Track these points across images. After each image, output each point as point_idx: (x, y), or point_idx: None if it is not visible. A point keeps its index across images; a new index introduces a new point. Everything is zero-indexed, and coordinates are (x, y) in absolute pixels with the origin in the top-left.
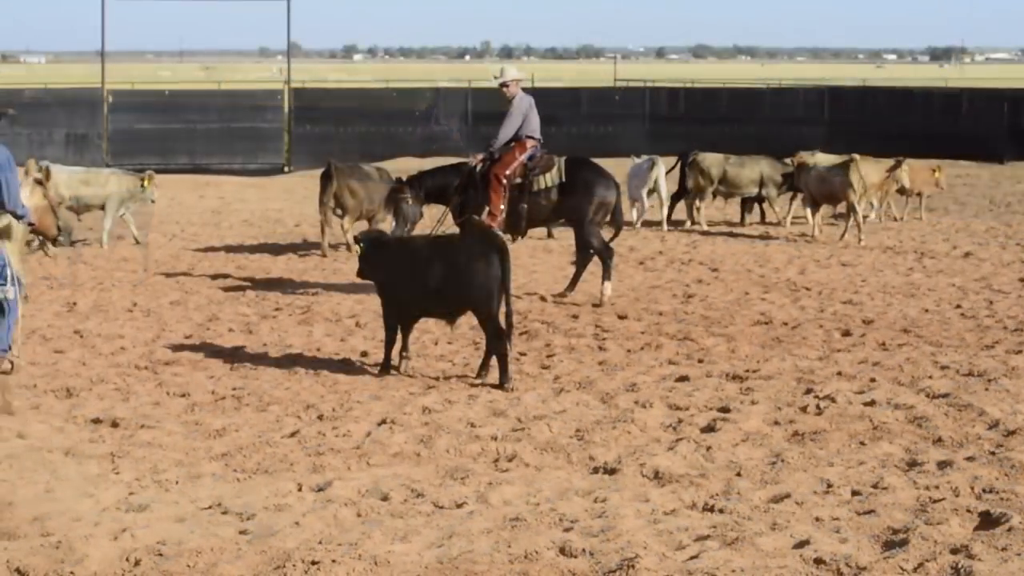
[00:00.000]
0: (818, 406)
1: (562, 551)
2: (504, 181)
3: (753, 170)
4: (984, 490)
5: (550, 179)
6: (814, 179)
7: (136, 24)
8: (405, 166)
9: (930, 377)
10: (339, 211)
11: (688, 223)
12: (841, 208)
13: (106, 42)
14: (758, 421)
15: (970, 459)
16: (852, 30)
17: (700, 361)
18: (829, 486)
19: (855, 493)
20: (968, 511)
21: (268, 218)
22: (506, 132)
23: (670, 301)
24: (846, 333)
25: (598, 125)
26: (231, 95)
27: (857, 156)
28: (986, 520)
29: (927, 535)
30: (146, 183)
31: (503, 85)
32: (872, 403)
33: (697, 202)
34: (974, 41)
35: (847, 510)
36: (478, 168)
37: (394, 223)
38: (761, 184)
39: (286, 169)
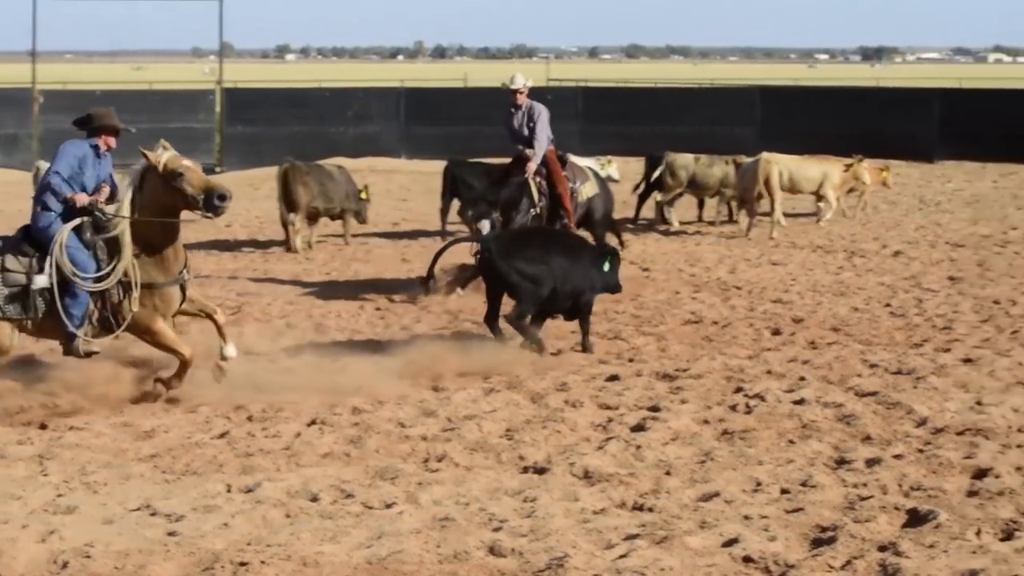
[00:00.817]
0: (747, 405)
1: (491, 551)
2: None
3: (722, 170)
4: (912, 488)
5: (590, 189)
6: (738, 178)
7: (67, 23)
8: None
9: (859, 375)
10: (294, 209)
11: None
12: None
13: (37, 42)
14: (688, 420)
15: (898, 457)
16: (784, 30)
17: (630, 360)
18: (758, 484)
19: (784, 491)
20: (896, 508)
21: (199, 218)
22: (543, 141)
23: (601, 300)
24: (776, 332)
25: None
26: (163, 95)
27: (766, 154)
28: (914, 517)
29: (855, 533)
30: None
31: (518, 92)
32: (801, 401)
33: (664, 200)
34: (905, 41)
35: (776, 508)
36: (535, 178)
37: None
38: (725, 184)
39: (218, 169)
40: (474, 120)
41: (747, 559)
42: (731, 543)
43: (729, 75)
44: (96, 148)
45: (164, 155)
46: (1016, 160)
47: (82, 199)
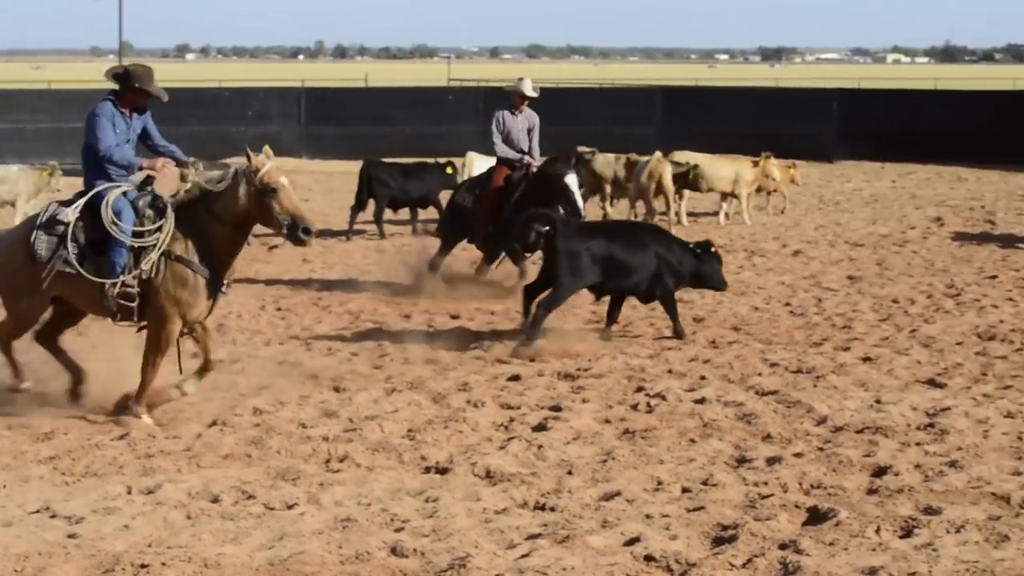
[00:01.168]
0: (649, 404)
1: (393, 551)
2: None
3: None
4: (812, 486)
5: None
6: (633, 177)
7: None
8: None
9: (759, 374)
10: None
11: None
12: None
13: None
14: (589, 419)
15: (798, 455)
16: (684, 30)
17: (531, 360)
18: (659, 483)
19: (685, 490)
20: (796, 507)
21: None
22: (538, 152)
23: (503, 300)
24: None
25: (432, 125)
26: (62, 95)
27: (659, 154)
28: (814, 515)
29: (756, 531)
30: (50, 175)
31: (529, 98)
32: (702, 400)
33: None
34: (804, 41)
35: (677, 507)
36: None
37: None
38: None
39: None
40: (375, 120)
41: (648, 558)
42: (633, 542)
43: (630, 75)
44: (115, 104)
45: (266, 164)
46: (914, 160)
47: (166, 169)
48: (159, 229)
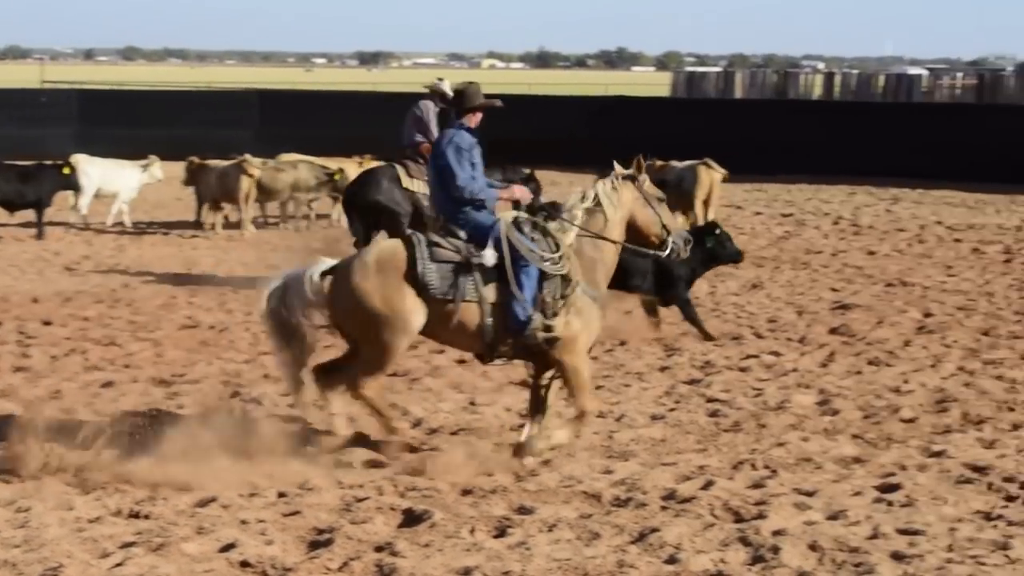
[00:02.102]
0: (245, 409)
1: None
2: None
3: (290, 175)
4: (407, 488)
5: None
6: (214, 179)
7: None
8: None
9: None
10: None
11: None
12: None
13: None
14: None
15: (395, 458)
16: (282, 34)
17: (126, 367)
18: (255, 489)
19: (281, 495)
20: (392, 509)
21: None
22: None
23: (96, 306)
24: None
25: (24, 128)
26: None
27: (249, 156)
28: (409, 517)
29: (352, 534)
30: None
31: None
32: None
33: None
34: (402, 46)
35: (273, 512)
36: None
37: None
38: (296, 188)
39: None
40: None
41: (244, 564)
42: (228, 548)
43: (227, 78)
44: (472, 131)
45: (644, 175)
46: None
47: (522, 193)
48: (563, 257)
